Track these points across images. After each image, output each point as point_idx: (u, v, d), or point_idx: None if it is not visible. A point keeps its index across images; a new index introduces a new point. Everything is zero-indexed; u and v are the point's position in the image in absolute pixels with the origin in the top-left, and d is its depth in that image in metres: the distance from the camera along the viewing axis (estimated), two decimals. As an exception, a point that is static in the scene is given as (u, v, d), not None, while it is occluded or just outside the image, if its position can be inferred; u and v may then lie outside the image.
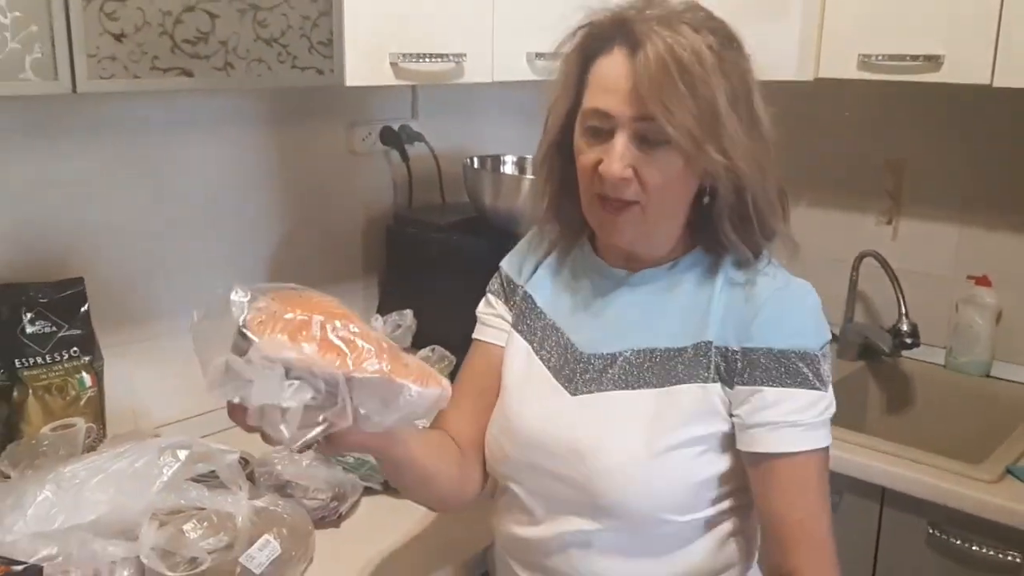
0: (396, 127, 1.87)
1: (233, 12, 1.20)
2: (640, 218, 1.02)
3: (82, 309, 1.41)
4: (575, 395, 1.09)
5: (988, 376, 2.04)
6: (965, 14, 1.66)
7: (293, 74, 1.28)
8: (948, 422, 2.02)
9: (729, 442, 1.04)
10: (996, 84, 1.63)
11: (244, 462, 1.35)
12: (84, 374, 1.40)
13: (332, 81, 1.33)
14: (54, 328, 1.38)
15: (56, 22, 1.05)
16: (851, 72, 1.81)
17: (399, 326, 1.55)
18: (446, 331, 1.52)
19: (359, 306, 1.88)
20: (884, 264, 2.07)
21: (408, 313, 1.58)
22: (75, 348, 1.40)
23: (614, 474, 1.02)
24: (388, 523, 1.35)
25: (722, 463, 1.04)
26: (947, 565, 1.59)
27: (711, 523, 1.07)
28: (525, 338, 1.15)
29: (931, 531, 1.59)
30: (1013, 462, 1.60)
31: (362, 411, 0.87)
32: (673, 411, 1.03)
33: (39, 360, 1.36)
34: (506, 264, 1.23)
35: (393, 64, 1.40)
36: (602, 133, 1.00)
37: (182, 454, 1.19)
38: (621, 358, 1.07)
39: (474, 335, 1.22)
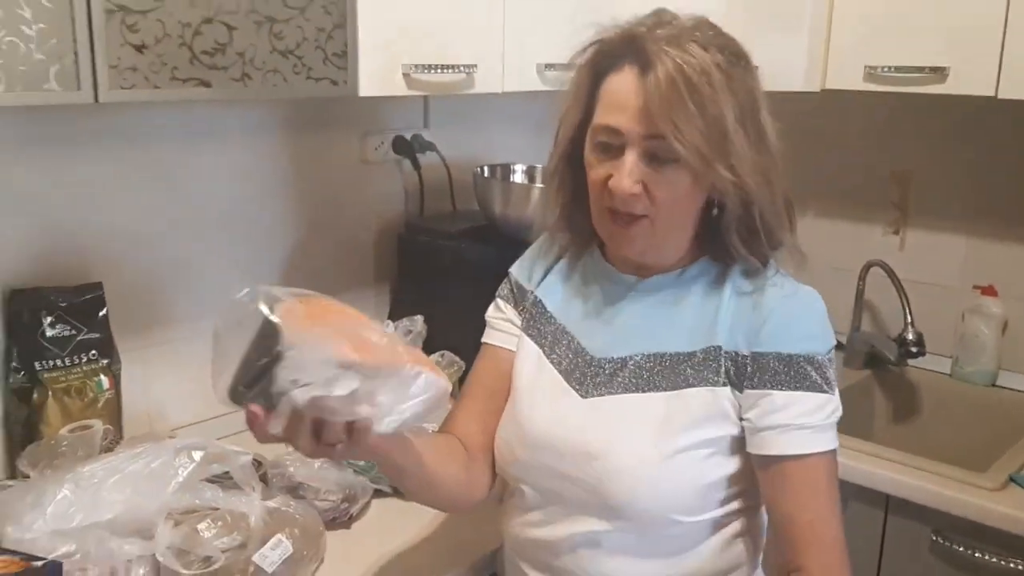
0: (408, 136, 1.89)
1: (250, 24, 1.22)
2: (650, 231, 1.04)
3: (100, 313, 1.44)
4: (586, 397, 1.10)
5: (994, 386, 2.05)
6: (970, 27, 1.68)
7: (308, 85, 1.31)
8: (954, 431, 2.03)
9: (738, 445, 1.05)
10: (1001, 96, 1.65)
11: (257, 464, 1.37)
12: (102, 377, 1.43)
13: (346, 92, 1.36)
14: (73, 332, 1.41)
15: (79, 34, 1.07)
16: (857, 84, 1.83)
17: (410, 332, 1.57)
18: (456, 337, 1.54)
19: (371, 312, 1.90)
20: (891, 274, 2.08)
21: (419, 319, 1.60)
22: (93, 351, 1.42)
23: (624, 475, 1.04)
24: (398, 525, 1.37)
25: (730, 465, 1.06)
26: (951, 572, 1.59)
27: (719, 524, 1.09)
28: (536, 342, 1.17)
29: (935, 538, 1.60)
30: (1017, 470, 1.61)
31: (381, 399, 0.87)
32: (682, 414, 1.05)
33: (58, 363, 1.39)
34: (516, 269, 1.25)
35: (405, 75, 1.42)
36: (612, 149, 1.02)
37: (197, 455, 1.22)
38: (631, 362, 1.09)
39: (483, 339, 1.23)
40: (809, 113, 2.15)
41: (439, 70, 1.47)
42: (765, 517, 1.12)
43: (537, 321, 1.19)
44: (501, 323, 1.22)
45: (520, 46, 1.58)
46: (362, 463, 1.43)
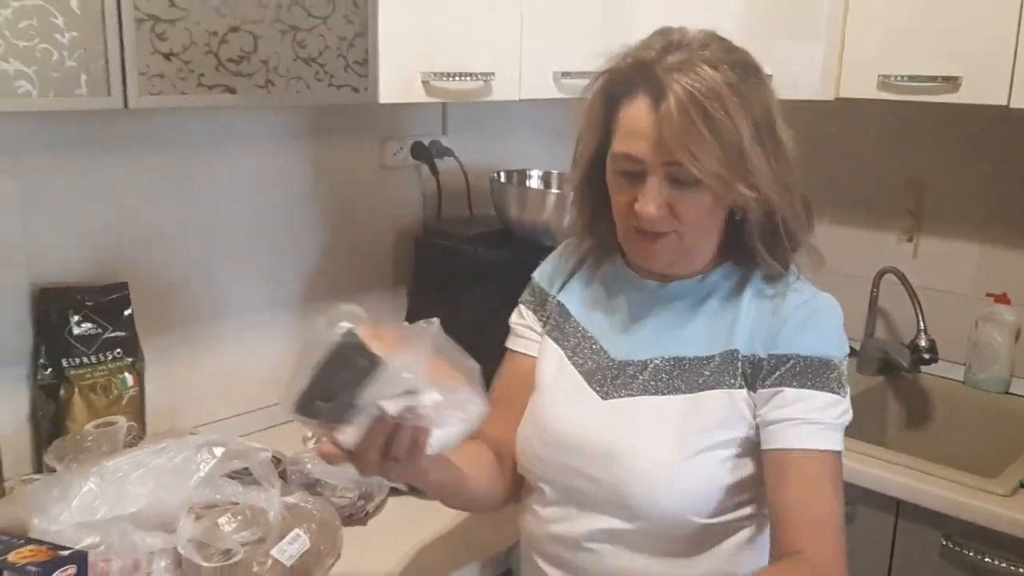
0: (427, 142, 1.91)
1: (274, 33, 1.26)
2: (677, 244, 1.07)
3: (126, 312, 1.47)
4: (606, 399, 1.13)
5: (1007, 393, 2.05)
6: (983, 36, 1.69)
7: (330, 92, 1.34)
8: (966, 438, 2.03)
9: (753, 448, 1.07)
10: (1013, 105, 1.66)
11: (276, 460, 1.39)
12: (127, 374, 1.46)
13: (366, 99, 1.39)
14: (99, 330, 1.44)
15: (110, 42, 1.11)
16: (871, 92, 1.84)
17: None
18: (472, 339, 1.55)
19: (388, 315, 1.92)
20: (904, 281, 2.09)
21: (435, 321, 1.60)
22: (119, 349, 1.46)
23: (642, 476, 1.06)
24: (414, 522, 1.40)
25: (747, 468, 1.08)
26: (961, 577, 1.61)
27: (734, 527, 1.10)
28: (559, 344, 1.20)
29: (945, 543, 1.61)
30: (1028, 477, 1.62)
31: (448, 414, 0.91)
32: (700, 416, 1.07)
33: (85, 360, 1.42)
34: (538, 275, 1.27)
35: (424, 82, 1.45)
36: (634, 175, 1.04)
37: (218, 451, 1.24)
38: (651, 365, 1.11)
39: (507, 344, 1.26)
40: (823, 121, 2.16)
41: (457, 78, 1.49)
42: None
43: (560, 325, 1.21)
44: (522, 329, 1.25)
45: (537, 54, 1.61)
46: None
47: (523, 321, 1.25)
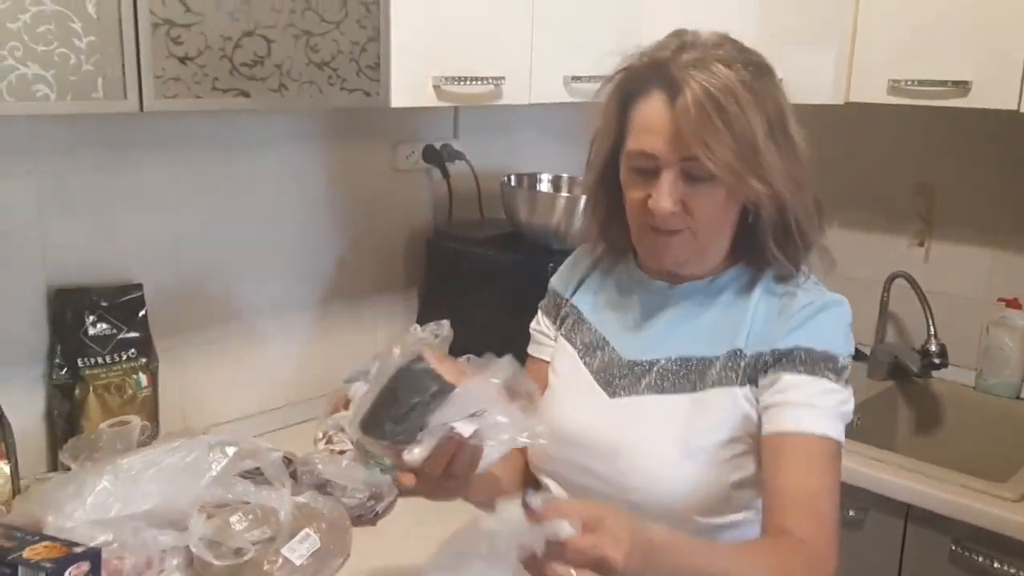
0: (438, 146, 1.93)
1: (288, 37, 1.27)
2: (691, 242, 1.08)
3: (140, 313, 1.49)
4: (613, 398, 1.14)
5: (1018, 398, 2.04)
6: (993, 41, 1.69)
7: (342, 96, 1.35)
8: (976, 443, 2.03)
9: (757, 447, 1.07)
10: (1023, 110, 1.66)
11: (287, 461, 1.41)
12: (140, 375, 1.48)
13: (378, 103, 1.40)
14: (114, 331, 1.46)
15: (127, 46, 1.12)
16: (881, 97, 1.84)
17: (437, 335, 1.60)
18: (481, 341, 1.56)
19: (400, 316, 1.94)
20: (915, 285, 2.08)
21: (445, 323, 1.63)
22: (133, 350, 1.47)
23: (647, 474, 1.07)
24: (423, 523, 1.39)
25: (750, 467, 1.08)
26: (970, 582, 1.61)
27: (737, 528, 1.11)
28: (572, 345, 1.22)
29: (954, 548, 1.61)
30: (1037, 482, 1.61)
31: (509, 435, 0.93)
32: (705, 415, 1.08)
33: (100, 360, 1.44)
34: (555, 281, 1.29)
35: (436, 87, 1.46)
36: (648, 172, 1.05)
37: (230, 451, 1.26)
38: (658, 365, 1.13)
39: (528, 349, 1.28)
40: (834, 125, 2.16)
41: (468, 82, 1.50)
42: None
43: (574, 326, 1.23)
44: (538, 335, 1.27)
45: (547, 59, 1.62)
46: (388, 462, 1.46)
47: (539, 327, 1.28)
